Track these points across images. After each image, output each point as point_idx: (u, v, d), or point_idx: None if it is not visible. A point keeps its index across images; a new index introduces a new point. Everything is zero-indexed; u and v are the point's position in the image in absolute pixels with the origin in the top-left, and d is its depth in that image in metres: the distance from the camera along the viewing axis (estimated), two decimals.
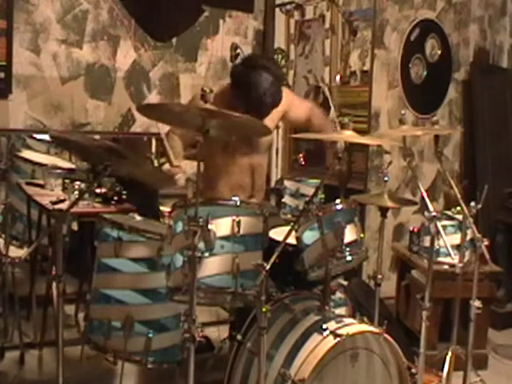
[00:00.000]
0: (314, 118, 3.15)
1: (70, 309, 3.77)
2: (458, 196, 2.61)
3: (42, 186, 3.66)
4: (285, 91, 2.92)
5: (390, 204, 2.82)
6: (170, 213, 2.35)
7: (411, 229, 4.00)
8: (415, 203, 3.25)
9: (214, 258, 2.19)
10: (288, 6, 4.93)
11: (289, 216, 3.15)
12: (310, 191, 3.16)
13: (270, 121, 2.89)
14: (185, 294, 2.14)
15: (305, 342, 2.32)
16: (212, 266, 2.19)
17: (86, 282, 3.22)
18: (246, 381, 2.43)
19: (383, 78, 4.52)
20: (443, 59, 4.77)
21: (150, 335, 2.50)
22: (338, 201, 2.55)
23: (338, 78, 4.64)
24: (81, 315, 3.46)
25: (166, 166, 2.75)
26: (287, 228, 2.27)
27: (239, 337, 2.50)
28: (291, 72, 4.89)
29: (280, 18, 4.80)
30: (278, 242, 2.19)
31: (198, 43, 4.18)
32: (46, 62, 3.73)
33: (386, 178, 2.97)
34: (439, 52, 4.75)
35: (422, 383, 2.55)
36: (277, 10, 4.72)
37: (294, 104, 3.10)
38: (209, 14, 4.19)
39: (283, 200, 3.43)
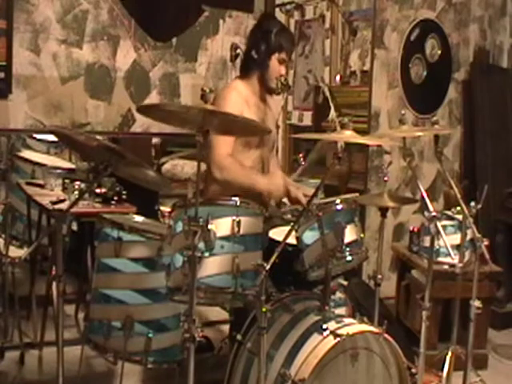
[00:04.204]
0: None
1: (70, 309, 3.77)
2: (458, 196, 2.61)
3: (42, 186, 3.66)
4: None
5: (390, 204, 2.82)
6: (169, 213, 2.35)
7: (411, 229, 4.00)
8: (415, 201, 3.26)
9: (214, 257, 2.19)
10: (288, 6, 4.93)
11: (289, 216, 3.15)
12: (310, 191, 3.16)
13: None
14: (185, 294, 2.14)
15: (305, 342, 2.32)
16: (212, 266, 2.19)
17: (85, 282, 3.21)
18: (246, 381, 2.42)
19: (383, 78, 4.51)
20: (443, 59, 4.76)
21: (150, 335, 2.50)
22: (338, 201, 2.55)
23: (338, 77, 4.64)
24: (81, 315, 3.47)
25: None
26: (287, 228, 2.27)
27: (239, 337, 2.50)
28: (291, 72, 4.89)
29: (280, 17, 4.80)
30: (278, 242, 2.19)
31: (197, 43, 4.17)
32: (46, 62, 3.73)
33: (385, 178, 2.98)
34: (439, 52, 4.74)
35: (421, 383, 2.56)
36: (277, 9, 4.72)
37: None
38: (209, 13, 4.18)
39: (283, 200, 3.43)
